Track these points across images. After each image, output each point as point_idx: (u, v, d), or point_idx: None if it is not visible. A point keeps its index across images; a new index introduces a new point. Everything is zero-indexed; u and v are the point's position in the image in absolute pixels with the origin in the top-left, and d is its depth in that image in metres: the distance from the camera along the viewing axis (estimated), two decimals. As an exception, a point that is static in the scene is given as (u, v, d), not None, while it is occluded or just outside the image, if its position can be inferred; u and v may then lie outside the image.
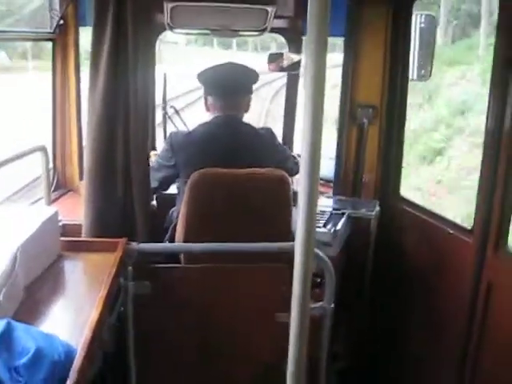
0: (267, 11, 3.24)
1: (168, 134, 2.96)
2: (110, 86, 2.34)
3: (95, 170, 2.41)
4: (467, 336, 2.62)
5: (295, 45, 3.91)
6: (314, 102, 1.14)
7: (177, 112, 3.85)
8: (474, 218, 2.61)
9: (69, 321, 1.83)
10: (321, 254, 2.33)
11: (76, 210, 2.61)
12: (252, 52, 25.16)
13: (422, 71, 3.08)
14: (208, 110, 2.88)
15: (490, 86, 2.48)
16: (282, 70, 3.83)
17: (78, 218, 2.52)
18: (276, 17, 3.36)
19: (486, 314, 2.53)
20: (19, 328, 1.40)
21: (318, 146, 1.16)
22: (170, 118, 3.80)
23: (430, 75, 3.11)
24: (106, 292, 1.86)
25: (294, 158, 3.11)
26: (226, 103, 2.81)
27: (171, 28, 3.50)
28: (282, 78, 12.79)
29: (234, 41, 24.00)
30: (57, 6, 2.99)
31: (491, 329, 2.51)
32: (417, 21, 3.02)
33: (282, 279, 2.36)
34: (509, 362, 2.39)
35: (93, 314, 1.69)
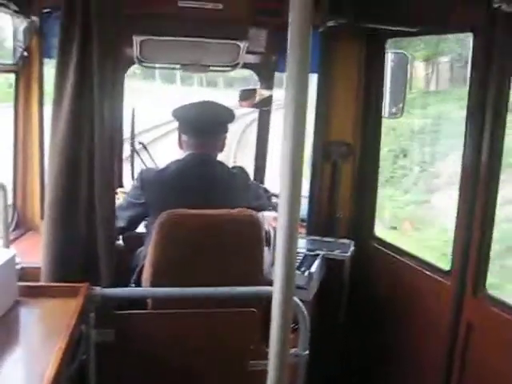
0: (239, 46, 3.20)
1: (139, 171, 2.85)
2: (74, 121, 2.22)
3: (56, 207, 2.28)
4: (447, 375, 2.55)
5: (267, 80, 3.87)
6: (294, 141, 1.06)
7: (145, 148, 3.75)
8: (452, 260, 2.56)
9: (22, 376, 1.68)
10: (295, 298, 2.22)
11: (36, 251, 2.45)
12: (198, 86, 24.30)
13: (394, 109, 3.07)
14: (181, 147, 2.78)
15: (465, 132, 2.46)
16: (254, 106, 3.77)
17: (38, 260, 2.36)
18: (248, 52, 3.32)
19: (466, 353, 2.47)
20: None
21: (298, 188, 1.08)
22: (137, 153, 3.69)
23: (402, 113, 3.10)
24: (65, 343, 1.72)
25: (267, 191, 3.03)
26: (201, 142, 2.71)
27: (140, 62, 3.42)
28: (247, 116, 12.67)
29: (178, 75, 23.38)
30: (21, 37, 2.87)
31: (471, 368, 2.46)
32: (388, 59, 3.02)
33: (252, 324, 2.28)
34: None
35: (48, 370, 1.54)
